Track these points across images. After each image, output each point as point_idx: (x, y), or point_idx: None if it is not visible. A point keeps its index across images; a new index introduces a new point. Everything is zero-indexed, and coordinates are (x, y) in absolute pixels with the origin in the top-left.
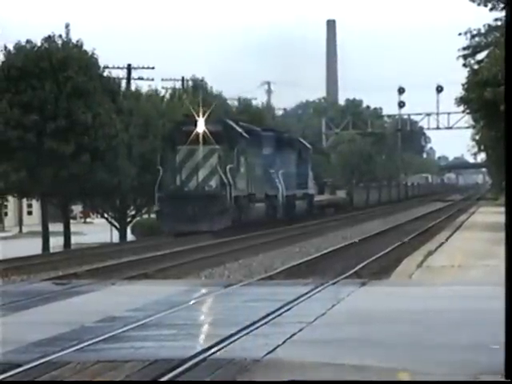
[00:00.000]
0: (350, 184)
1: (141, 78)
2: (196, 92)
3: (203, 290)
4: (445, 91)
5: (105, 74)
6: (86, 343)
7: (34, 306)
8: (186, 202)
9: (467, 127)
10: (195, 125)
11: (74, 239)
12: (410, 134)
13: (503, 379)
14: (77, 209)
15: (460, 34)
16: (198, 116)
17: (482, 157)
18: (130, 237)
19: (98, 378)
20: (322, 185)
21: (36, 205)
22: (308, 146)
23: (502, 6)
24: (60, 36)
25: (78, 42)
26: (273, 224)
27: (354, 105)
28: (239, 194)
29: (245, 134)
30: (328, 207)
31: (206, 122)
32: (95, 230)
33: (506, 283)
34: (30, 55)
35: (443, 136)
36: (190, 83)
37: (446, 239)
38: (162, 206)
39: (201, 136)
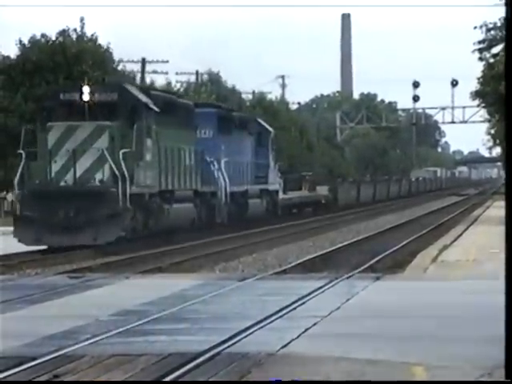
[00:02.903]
0: (333, 178)
1: (155, 72)
2: (212, 86)
3: (217, 284)
4: (460, 85)
5: (119, 67)
6: (100, 337)
7: (48, 299)
8: (60, 202)
9: (482, 121)
10: (80, 93)
11: None
12: (424, 128)
13: (503, 379)
14: None
15: (475, 28)
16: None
17: (497, 151)
18: None
19: (113, 371)
20: (298, 179)
21: None
22: (269, 129)
23: None
24: (74, 30)
25: (92, 36)
26: (208, 232)
27: (368, 99)
28: (142, 190)
29: (153, 106)
30: (302, 207)
31: (96, 89)
32: None
33: (506, 283)
34: (44, 49)
35: (458, 130)
36: (206, 77)
37: (460, 234)
38: (23, 207)
39: (86, 108)
